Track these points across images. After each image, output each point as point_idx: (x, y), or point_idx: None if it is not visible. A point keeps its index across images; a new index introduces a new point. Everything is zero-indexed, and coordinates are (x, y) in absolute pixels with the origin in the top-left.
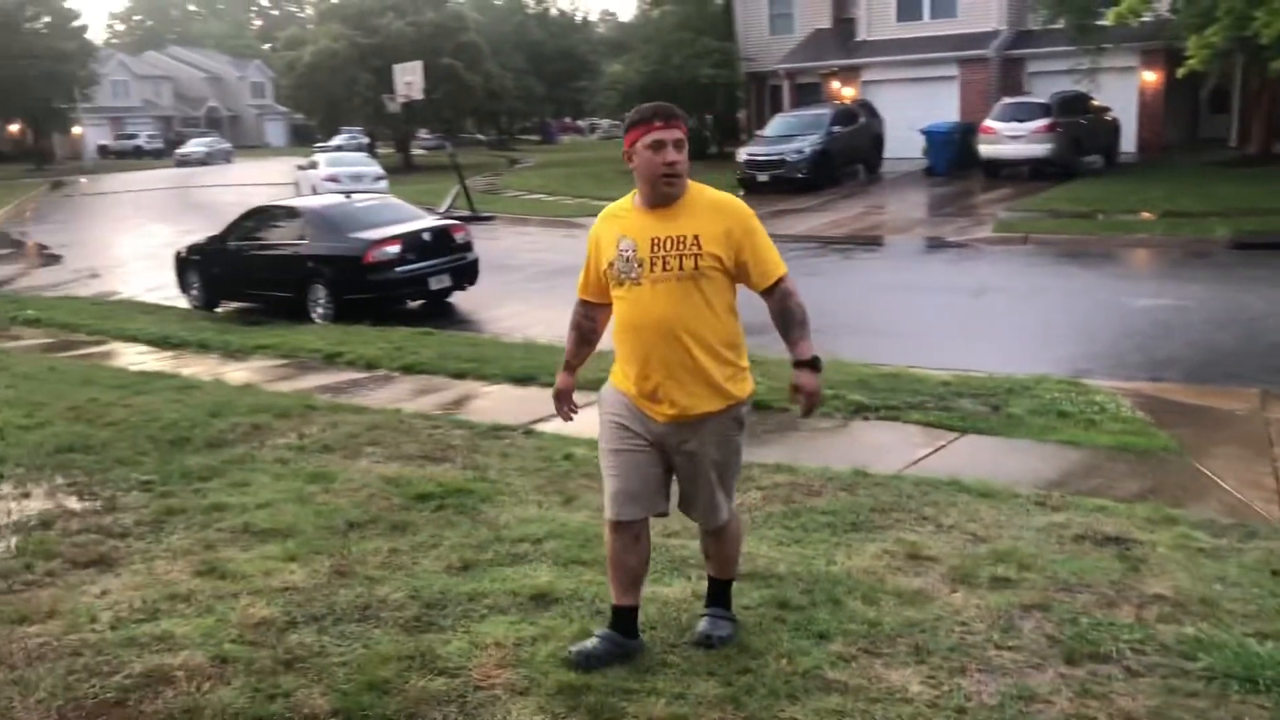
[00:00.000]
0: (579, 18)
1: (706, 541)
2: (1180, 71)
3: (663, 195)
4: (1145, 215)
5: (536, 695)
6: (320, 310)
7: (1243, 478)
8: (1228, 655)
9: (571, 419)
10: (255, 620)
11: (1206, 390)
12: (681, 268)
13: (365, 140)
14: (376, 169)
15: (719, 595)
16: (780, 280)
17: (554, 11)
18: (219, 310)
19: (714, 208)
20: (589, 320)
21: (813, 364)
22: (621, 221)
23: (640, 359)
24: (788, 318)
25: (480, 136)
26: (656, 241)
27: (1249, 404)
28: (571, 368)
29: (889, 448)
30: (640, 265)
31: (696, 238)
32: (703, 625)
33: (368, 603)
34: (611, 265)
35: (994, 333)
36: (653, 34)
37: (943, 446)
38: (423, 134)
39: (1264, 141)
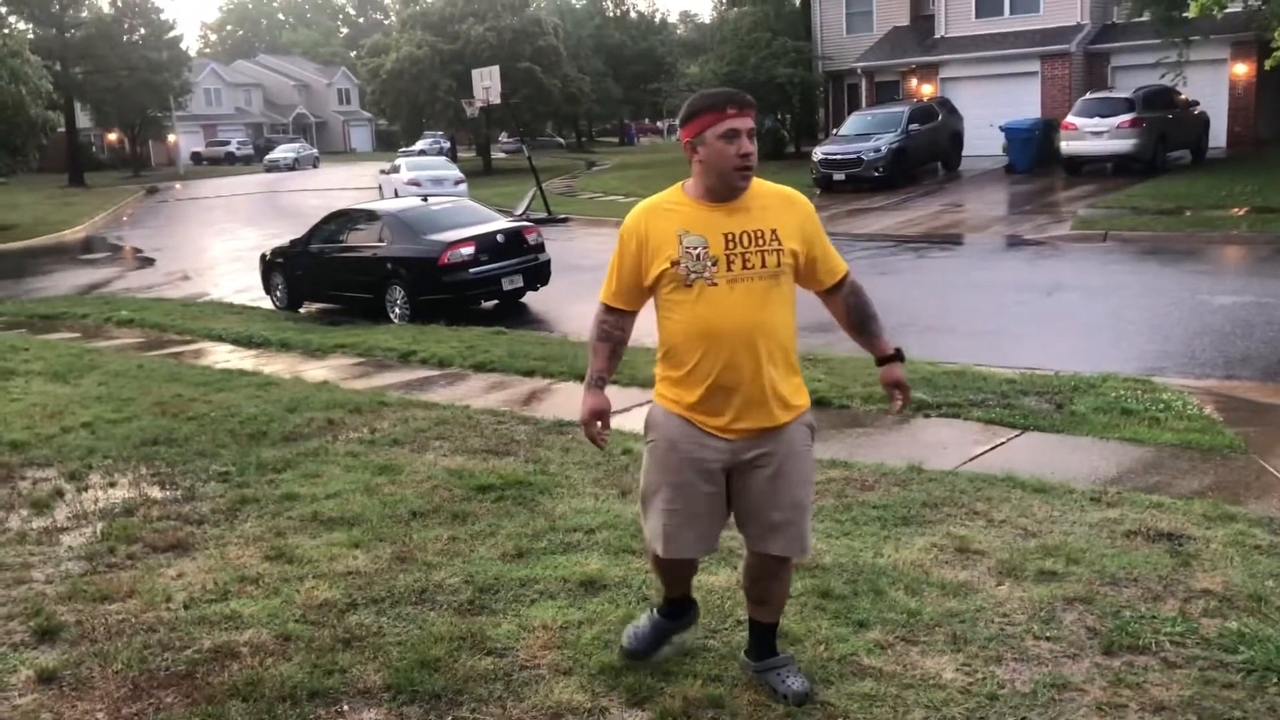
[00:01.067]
0: (658, 19)
1: (761, 578)
2: (1269, 63)
3: (734, 190)
4: (1233, 211)
5: (579, 675)
6: (398, 310)
7: None
8: (1270, 649)
9: (605, 445)
10: (318, 602)
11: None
12: (765, 264)
13: (446, 144)
14: (456, 173)
15: (769, 643)
16: (847, 274)
17: (633, 14)
18: (302, 311)
19: (784, 200)
20: (619, 330)
21: (900, 356)
22: (679, 216)
23: (709, 369)
24: (863, 311)
25: (559, 139)
26: (731, 237)
27: None
28: (603, 384)
29: (947, 444)
30: (715, 263)
31: (775, 232)
32: (787, 683)
33: (425, 587)
34: (675, 264)
35: (1065, 331)
36: (729, 34)
37: (1002, 444)
38: (502, 137)
39: None
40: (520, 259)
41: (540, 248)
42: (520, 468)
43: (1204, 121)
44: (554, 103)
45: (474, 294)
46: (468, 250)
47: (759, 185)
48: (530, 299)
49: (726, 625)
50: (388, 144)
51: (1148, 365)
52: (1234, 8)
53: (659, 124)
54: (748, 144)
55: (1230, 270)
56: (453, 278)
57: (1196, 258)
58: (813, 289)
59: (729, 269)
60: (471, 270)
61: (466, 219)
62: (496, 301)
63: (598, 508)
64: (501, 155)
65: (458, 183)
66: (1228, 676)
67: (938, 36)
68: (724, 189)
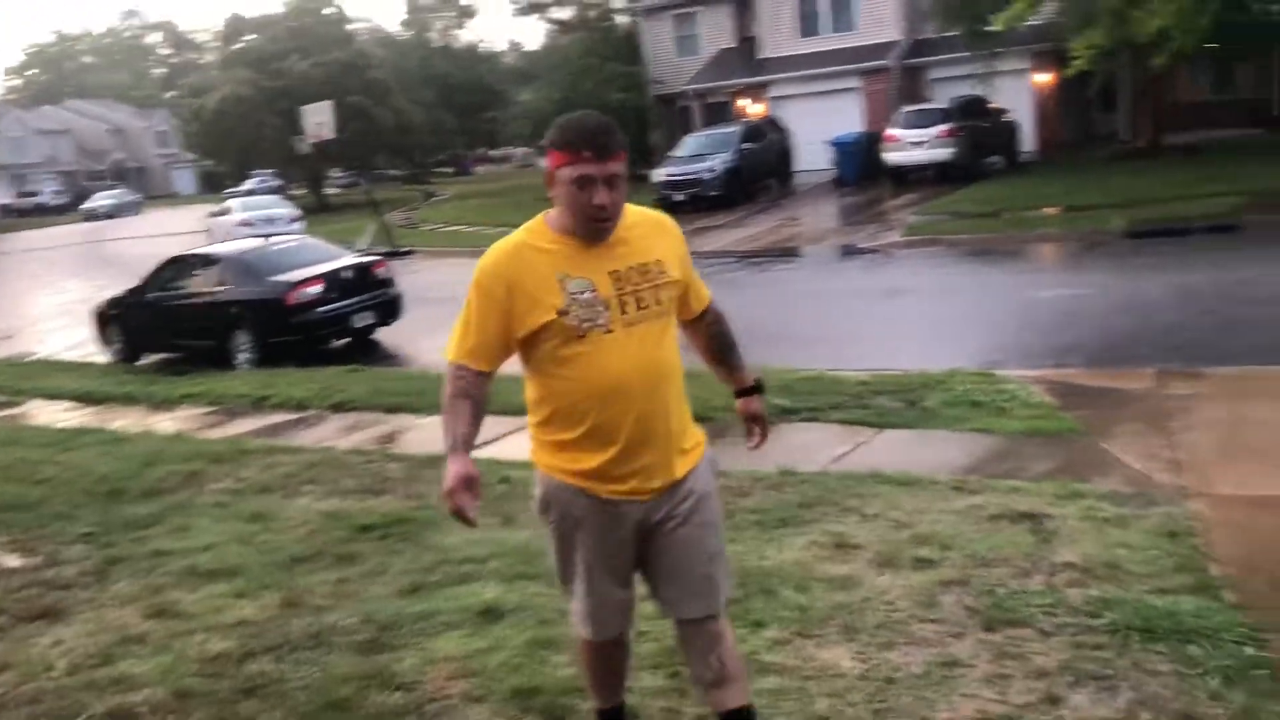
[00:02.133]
0: (484, 49)
1: (700, 653)
2: (1069, 71)
3: (590, 239)
4: (1046, 211)
5: (491, 701)
6: (244, 355)
7: (1142, 451)
8: (1129, 611)
9: (475, 521)
10: (212, 654)
11: (1107, 373)
12: (659, 301)
13: (277, 183)
14: (291, 210)
15: None
16: (711, 301)
17: (459, 44)
18: (142, 363)
19: (659, 226)
20: (477, 389)
21: (760, 388)
22: (554, 256)
23: (615, 429)
24: (726, 340)
25: (393, 172)
26: (618, 276)
27: (1146, 383)
28: (469, 446)
29: (813, 447)
30: (607, 308)
31: (659, 263)
32: None
33: (320, 630)
34: (564, 314)
35: (908, 332)
36: (560, 61)
37: (864, 443)
38: (335, 173)
39: (1152, 134)
40: (370, 294)
41: (390, 282)
42: (399, 505)
43: (1014, 128)
44: (387, 135)
45: (324, 333)
46: (315, 289)
47: (631, 212)
48: (382, 335)
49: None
50: (214, 185)
51: (987, 359)
52: (1034, 21)
53: (494, 153)
54: (604, 194)
55: (1049, 266)
56: (301, 318)
57: (1018, 256)
58: (680, 318)
59: (623, 312)
60: (320, 309)
61: (311, 257)
62: (348, 340)
63: (485, 538)
64: (335, 191)
65: (293, 221)
66: (1096, 639)
67: (763, 57)
68: (580, 234)
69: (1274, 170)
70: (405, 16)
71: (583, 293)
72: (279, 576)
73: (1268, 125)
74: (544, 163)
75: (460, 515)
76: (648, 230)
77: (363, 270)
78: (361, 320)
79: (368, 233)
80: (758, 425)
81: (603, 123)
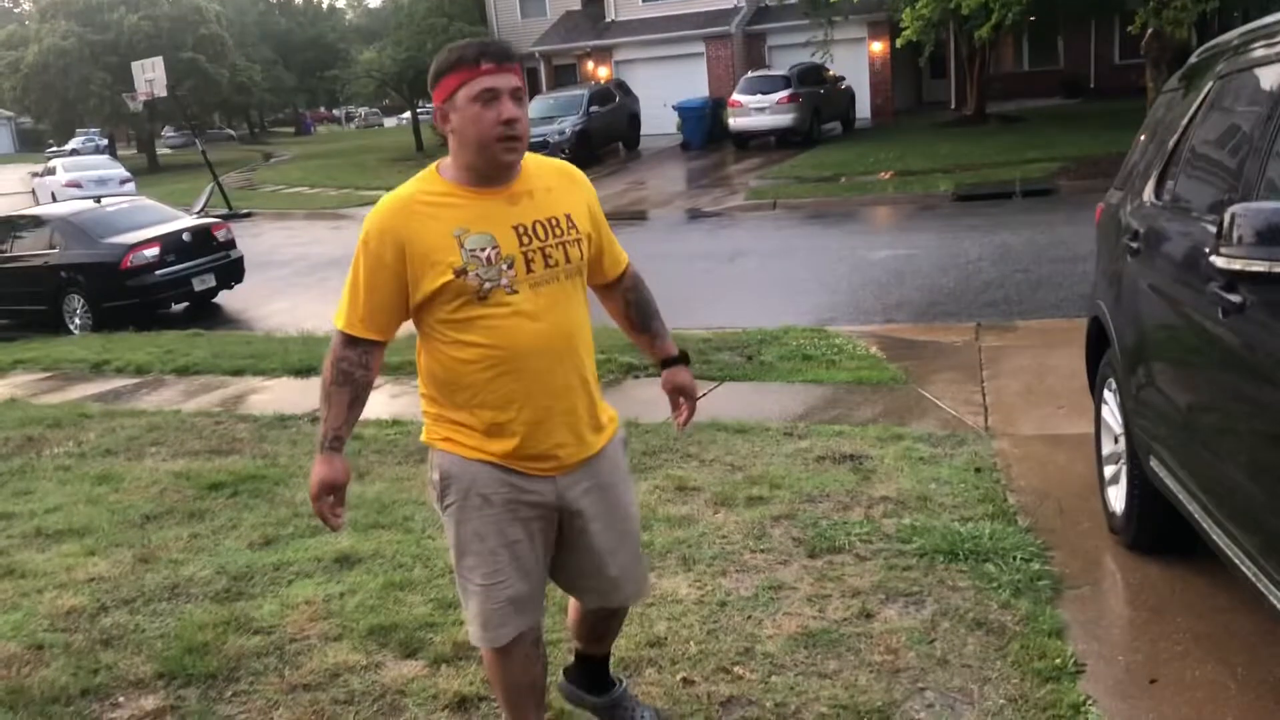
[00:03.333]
0: (325, 5)
1: (600, 623)
2: (899, 41)
3: (501, 168)
4: (881, 175)
5: (349, 639)
6: (78, 321)
7: (957, 398)
8: (936, 537)
9: (340, 525)
10: (64, 610)
11: (930, 327)
12: (568, 259)
13: (103, 142)
14: (121, 171)
15: (607, 672)
16: (629, 264)
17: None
18: None
19: (566, 177)
20: (364, 370)
21: (685, 358)
22: (450, 211)
23: (522, 399)
24: (646, 308)
25: (230, 132)
26: (523, 230)
27: (965, 336)
28: (340, 444)
29: (656, 401)
30: (510, 265)
31: (569, 217)
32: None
33: (176, 583)
34: (462, 274)
35: (749, 291)
36: (405, 20)
37: (704, 395)
38: (168, 132)
39: (978, 103)
40: (211, 257)
41: (231, 244)
42: (249, 464)
43: (850, 95)
44: (223, 93)
45: (163, 297)
46: (152, 251)
47: (534, 161)
48: (224, 298)
49: None
50: (34, 144)
51: (821, 316)
52: None
53: (335, 112)
54: (511, 107)
55: (882, 228)
56: (138, 281)
57: (854, 219)
58: (593, 283)
59: (529, 270)
60: (158, 272)
61: (147, 219)
62: (187, 304)
63: None
64: (167, 151)
65: (124, 182)
66: (906, 561)
67: (609, 20)
68: (488, 166)
69: (1088, 138)
70: None
71: (483, 249)
72: (131, 534)
73: (1084, 95)
74: (434, 101)
75: (324, 519)
76: (554, 182)
77: (203, 233)
78: (202, 284)
79: (203, 195)
80: (684, 397)
81: (494, 39)
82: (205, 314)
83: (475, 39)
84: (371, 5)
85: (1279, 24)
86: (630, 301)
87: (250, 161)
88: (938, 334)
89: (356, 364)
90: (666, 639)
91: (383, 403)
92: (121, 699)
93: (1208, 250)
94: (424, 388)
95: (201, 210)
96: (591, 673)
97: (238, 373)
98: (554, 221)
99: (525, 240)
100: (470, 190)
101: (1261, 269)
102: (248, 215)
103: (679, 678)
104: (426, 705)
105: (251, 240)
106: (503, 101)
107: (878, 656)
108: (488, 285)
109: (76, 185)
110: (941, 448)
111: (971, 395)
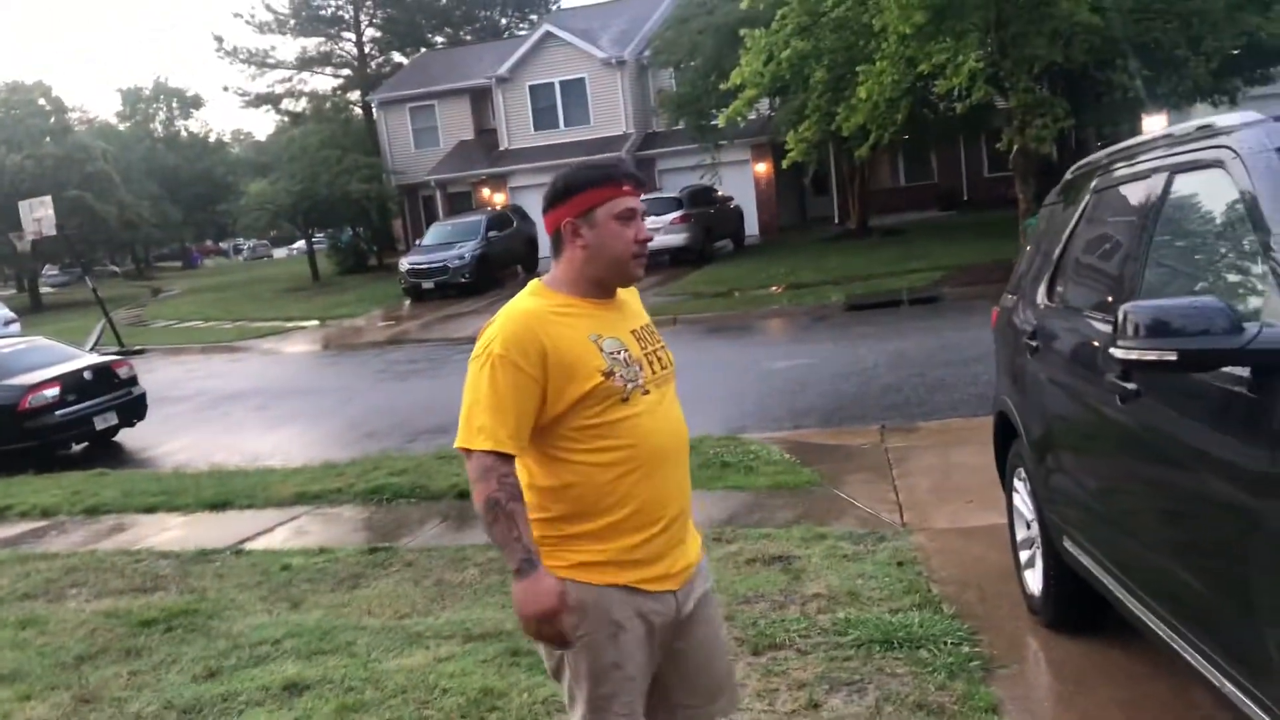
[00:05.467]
0: (213, 139)
1: None
2: (785, 162)
3: (632, 280)
4: (774, 289)
5: None
6: None
7: (872, 497)
8: (870, 628)
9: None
10: None
11: (838, 431)
12: (670, 363)
13: None
14: (6, 312)
15: None
16: None
17: (184, 135)
18: None
19: (632, 291)
20: (516, 485)
21: None
22: (580, 320)
23: (652, 503)
24: None
25: (115, 268)
26: (638, 334)
27: (871, 439)
28: (540, 558)
29: None
30: (640, 368)
31: (653, 324)
32: None
33: None
34: (610, 375)
35: None
36: (298, 152)
37: None
38: (50, 271)
39: (860, 217)
40: (113, 395)
41: (133, 381)
42: (178, 600)
43: (739, 214)
44: (110, 230)
45: (64, 437)
46: (52, 391)
47: None
48: (125, 436)
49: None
50: None
51: (733, 425)
52: (753, 116)
53: (223, 244)
54: (645, 228)
55: (782, 339)
56: (37, 422)
57: (754, 331)
58: None
59: (653, 372)
60: (59, 412)
61: (44, 359)
62: (87, 444)
63: (276, 620)
64: (50, 290)
65: (9, 323)
66: (845, 652)
67: (503, 149)
68: (618, 279)
69: (965, 248)
70: (120, 108)
71: (619, 352)
72: (66, 676)
73: (958, 207)
74: (566, 215)
75: (562, 640)
76: (628, 296)
77: (104, 371)
78: (104, 422)
79: (94, 333)
80: None
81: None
82: (106, 453)
83: (612, 160)
84: (259, 139)
85: (1137, 146)
86: None
87: (139, 297)
88: (845, 437)
89: (515, 479)
90: None
91: (314, 530)
92: None
93: (1096, 345)
94: (542, 510)
95: (93, 349)
96: None
97: (150, 510)
98: (649, 329)
99: (644, 344)
100: (589, 301)
101: (1153, 358)
102: (140, 351)
103: None
104: None
105: (147, 376)
106: (638, 221)
107: None
108: (630, 386)
109: None
110: (863, 545)
111: (885, 494)
